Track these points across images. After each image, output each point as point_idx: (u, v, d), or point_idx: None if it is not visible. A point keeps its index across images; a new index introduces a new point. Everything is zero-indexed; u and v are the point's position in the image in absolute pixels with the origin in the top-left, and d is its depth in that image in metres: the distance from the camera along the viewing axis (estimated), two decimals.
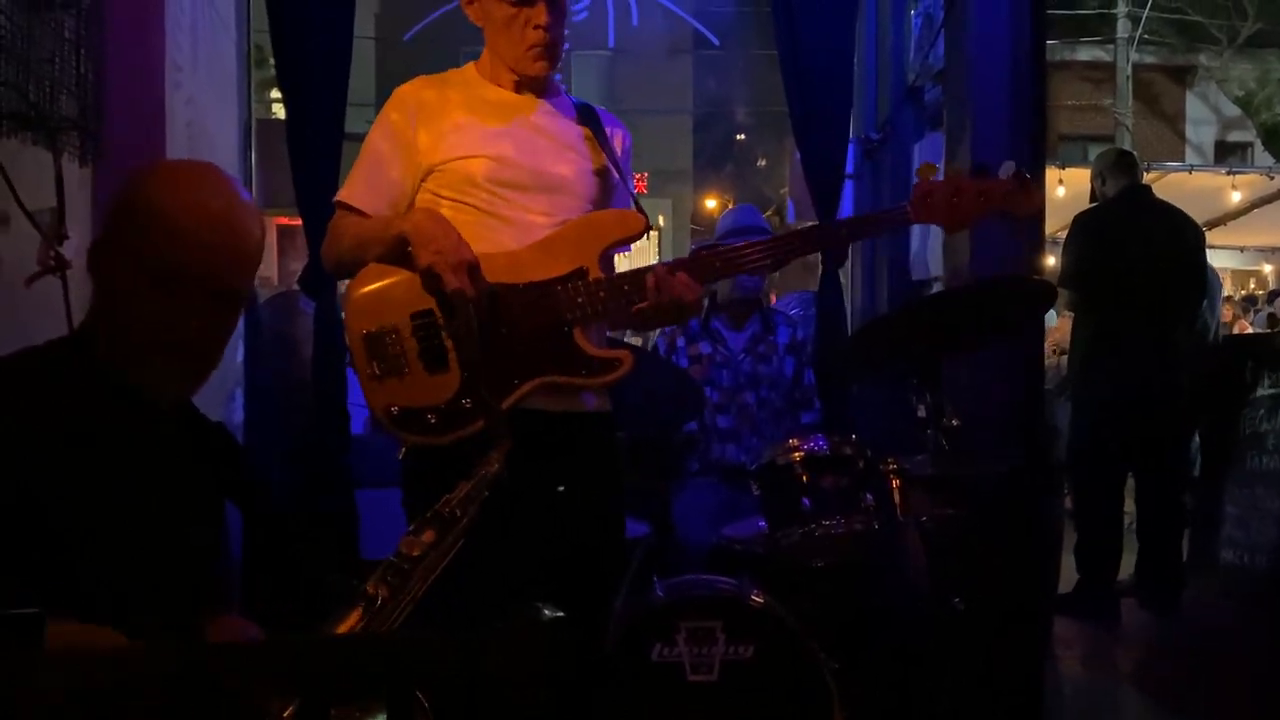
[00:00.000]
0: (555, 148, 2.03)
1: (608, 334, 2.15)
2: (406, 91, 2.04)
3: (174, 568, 1.36)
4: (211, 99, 3.34)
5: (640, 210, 2.06)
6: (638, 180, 17.77)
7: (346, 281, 2.03)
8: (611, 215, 2.04)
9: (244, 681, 0.85)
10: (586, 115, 2.11)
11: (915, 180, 2.11)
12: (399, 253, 1.90)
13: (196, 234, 1.36)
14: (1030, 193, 2.07)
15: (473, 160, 1.97)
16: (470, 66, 2.10)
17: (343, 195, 2.03)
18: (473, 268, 1.85)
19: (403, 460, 1.99)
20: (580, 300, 1.94)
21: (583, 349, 1.96)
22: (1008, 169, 2.08)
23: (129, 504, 1.33)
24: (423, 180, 2.00)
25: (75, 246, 2.10)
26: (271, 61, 3.42)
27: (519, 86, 2.06)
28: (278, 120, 3.65)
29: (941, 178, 2.09)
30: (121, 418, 1.36)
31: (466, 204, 1.97)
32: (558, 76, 2.15)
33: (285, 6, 3.28)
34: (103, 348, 1.38)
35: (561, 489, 1.99)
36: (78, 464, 1.30)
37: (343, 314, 1.99)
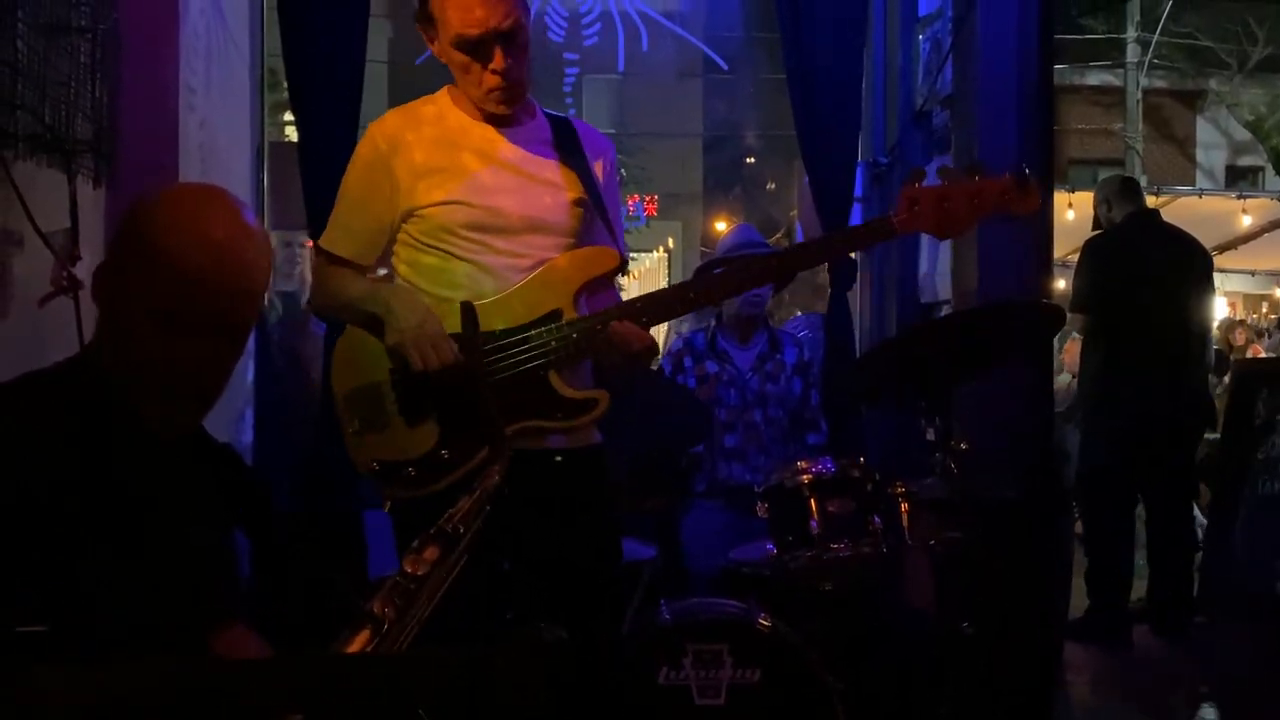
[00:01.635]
0: (531, 185, 2.01)
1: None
2: (379, 129, 2.03)
3: (178, 588, 1.36)
4: (224, 121, 3.37)
5: (615, 237, 2.04)
6: (648, 203, 17.77)
7: None
8: (583, 255, 2.01)
9: (250, 699, 0.85)
10: (564, 137, 2.07)
11: (901, 187, 2.04)
12: (372, 326, 1.94)
13: (197, 269, 1.32)
14: (1028, 190, 1.98)
15: (449, 207, 1.96)
16: (444, 93, 2.07)
17: (323, 242, 2.05)
18: (437, 341, 1.87)
19: (390, 514, 1.99)
20: (553, 344, 1.94)
21: (558, 392, 1.95)
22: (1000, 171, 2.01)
23: (132, 527, 1.33)
24: (402, 221, 2.00)
25: (88, 267, 2.12)
26: (284, 84, 3.45)
27: (491, 117, 2.02)
28: (290, 142, 3.68)
29: (931, 182, 2.01)
30: (126, 441, 1.36)
31: (444, 251, 1.98)
32: (533, 99, 2.11)
33: (299, 30, 3.31)
34: (105, 372, 1.37)
35: (548, 526, 1.97)
36: (81, 487, 1.29)
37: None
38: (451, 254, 1.97)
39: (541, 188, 2.02)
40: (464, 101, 2.03)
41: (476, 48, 1.93)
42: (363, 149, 2.04)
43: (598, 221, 2.05)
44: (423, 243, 1.99)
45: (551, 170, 2.03)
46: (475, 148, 2.01)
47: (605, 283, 2.06)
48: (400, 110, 2.07)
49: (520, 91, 2.00)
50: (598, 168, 2.08)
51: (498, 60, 1.93)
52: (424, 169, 1.98)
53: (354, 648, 1.22)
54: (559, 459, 2.00)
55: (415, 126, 2.02)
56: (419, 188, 1.97)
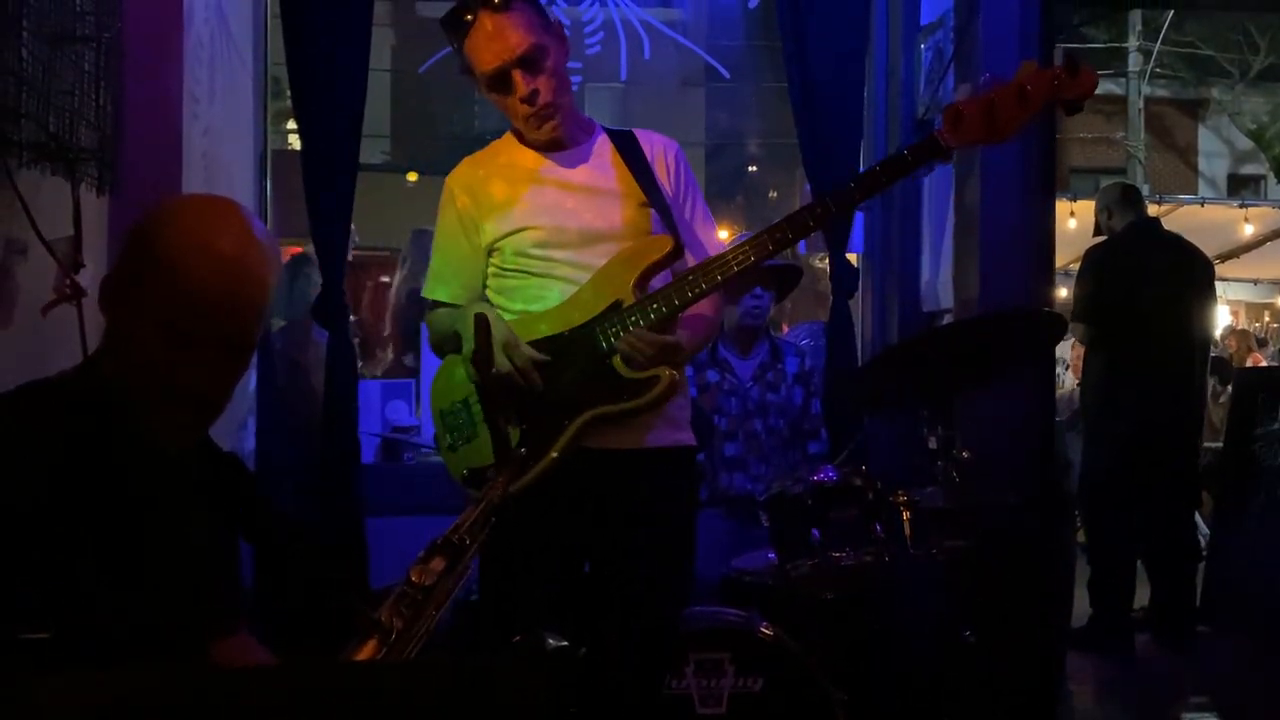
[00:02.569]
0: (592, 200, 2.10)
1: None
2: (454, 181, 2.17)
3: (180, 597, 1.36)
4: (228, 130, 3.38)
5: (674, 231, 2.07)
6: None
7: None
8: (639, 244, 2.08)
9: (252, 706, 0.85)
10: (622, 147, 2.15)
11: (945, 106, 2.01)
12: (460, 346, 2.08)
13: (205, 284, 1.31)
14: (1082, 73, 1.92)
15: (520, 234, 2.08)
16: (508, 134, 2.19)
17: (425, 293, 2.21)
18: (507, 345, 1.98)
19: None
20: (614, 330, 2.02)
21: (620, 375, 2.02)
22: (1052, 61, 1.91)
23: (134, 535, 1.33)
24: (488, 256, 2.13)
25: (91, 275, 2.13)
26: (288, 93, 3.46)
27: (548, 145, 2.12)
28: (293, 151, 3.69)
29: (973, 95, 1.99)
30: (128, 450, 1.35)
31: (521, 271, 2.10)
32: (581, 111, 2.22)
33: (302, 39, 3.32)
34: (108, 383, 1.36)
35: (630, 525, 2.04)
36: (82, 496, 1.29)
37: None
38: (528, 273, 2.09)
39: (601, 199, 2.10)
40: (523, 137, 2.15)
41: (497, 83, 2.05)
42: (446, 201, 2.18)
43: (667, 220, 2.11)
44: (504, 269, 2.12)
45: (611, 182, 2.12)
46: (534, 176, 2.12)
47: (666, 269, 2.10)
48: (470, 158, 2.21)
49: (552, 111, 2.07)
50: (660, 169, 2.16)
51: (520, 87, 2.03)
52: (496, 205, 2.11)
53: (362, 657, 1.22)
54: (643, 458, 2.06)
55: (482, 169, 2.16)
56: (490, 223, 2.10)
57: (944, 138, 1.99)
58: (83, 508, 1.29)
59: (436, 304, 2.18)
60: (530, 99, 2.03)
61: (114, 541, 1.30)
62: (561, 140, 2.12)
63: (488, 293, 2.16)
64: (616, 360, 2.02)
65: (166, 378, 1.33)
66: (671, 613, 2.13)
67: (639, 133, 2.19)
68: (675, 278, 2.06)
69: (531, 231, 2.07)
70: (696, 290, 2.00)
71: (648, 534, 2.04)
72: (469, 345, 1.97)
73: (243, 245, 1.35)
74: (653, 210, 2.10)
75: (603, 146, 2.16)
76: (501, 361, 1.96)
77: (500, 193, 2.11)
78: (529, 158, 2.13)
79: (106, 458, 1.33)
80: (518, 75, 2.02)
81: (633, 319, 2.01)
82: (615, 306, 2.03)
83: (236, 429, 3.39)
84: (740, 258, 2.01)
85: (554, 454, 1.99)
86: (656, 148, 2.18)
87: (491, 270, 2.14)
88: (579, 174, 2.12)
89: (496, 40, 2.00)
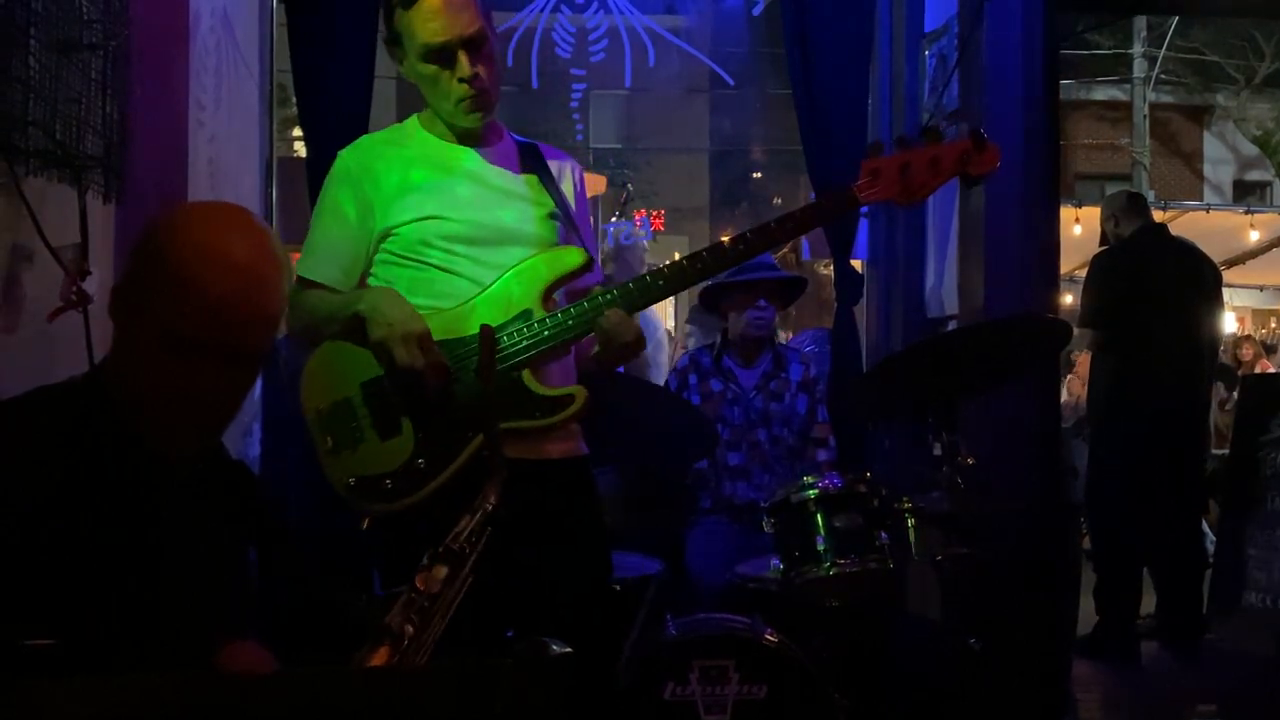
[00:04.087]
0: (502, 198, 2.05)
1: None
2: (349, 155, 2.06)
3: (186, 604, 1.36)
4: (233, 137, 3.39)
5: (582, 243, 2.06)
6: (655, 218, 17.86)
7: None
8: (550, 254, 2.03)
9: (259, 714, 0.85)
10: (530, 157, 2.11)
11: (863, 159, 2.06)
12: (355, 330, 1.94)
13: (217, 295, 1.29)
14: (986, 149, 2.02)
15: (426, 222, 1.99)
16: (413, 120, 2.11)
17: (300, 269, 2.05)
18: (422, 339, 1.88)
19: (366, 534, 2.00)
20: (523, 343, 1.95)
21: (534, 391, 1.96)
22: (961, 130, 2.04)
23: (139, 543, 1.33)
24: (379, 241, 2.02)
25: (97, 282, 2.13)
26: (293, 100, 3.48)
27: (462, 137, 2.07)
28: (298, 158, 3.70)
29: (889, 153, 2.04)
30: (134, 459, 1.35)
31: (421, 262, 2.00)
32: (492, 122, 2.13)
33: (307, 46, 3.34)
34: (116, 391, 1.35)
35: (536, 539, 1.95)
36: (88, 503, 1.29)
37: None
38: (429, 264, 2.00)
39: (515, 201, 2.06)
40: (435, 125, 2.08)
41: (441, 55, 1.97)
42: (334, 175, 2.06)
43: (572, 234, 2.09)
44: (400, 256, 2.01)
45: (520, 184, 2.08)
46: (449, 166, 2.04)
47: (574, 282, 2.07)
48: (369, 137, 2.12)
49: (489, 101, 2.02)
50: (565, 184, 2.13)
51: (464, 67, 1.97)
52: (400, 189, 2.01)
53: (375, 663, 1.22)
54: (544, 469, 1.99)
55: (386, 150, 2.06)
56: (394, 207, 2.00)
57: (859, 192, 2.04)
58: (90, 513, 1.29)
59: (309, 284, 2.03)
60: (473, 80, 1.97)
61: (121, 547, 1.31)
62: (479, 134, 2.07)
63: (371, 281, 2.05)
64: (527, 375, 1.96)
65: (175, 387, 1.31)
66: (598, 623, 2.03)
67: (543, 147, 2.16)
68: (578, 295, 2.02)
69: (442, 222, 1.98)
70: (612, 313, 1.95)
71: (554, 548, 1.98)
72: (384, 330, 1.87)
73: (256, 252, 1.34)
74: (558, 223, 2.06)
75: (511, 151, 2.11)
76: (412, 356, 1.85)
77: (408, 176, 2.01)
78: (443, 146, 2.06)
79: (114, 464, 1.33)
80: (464, 55, 1.96)
81: (545, 333, 1.95)
82: (523, 316, 1.96)
83: (242, 434, 3.40)
84: (664, 286, 2.00)
85: (454, 468, 1.90)
86: (564, 164, 2.15)
87: (382, 257, 2.02)
88: (494, 172, 2.06)
89: (448, 14, 1.94)
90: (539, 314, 1.97)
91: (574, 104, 8.23)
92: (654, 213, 17.16)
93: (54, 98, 2.03)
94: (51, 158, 2.03)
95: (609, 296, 1.98)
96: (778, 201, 19.84)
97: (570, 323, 1.97)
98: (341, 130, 3.33)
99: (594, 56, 5.06)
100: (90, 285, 2.10)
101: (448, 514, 1.42)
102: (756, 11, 4.84)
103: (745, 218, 19.82)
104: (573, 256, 2.02)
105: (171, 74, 2.72)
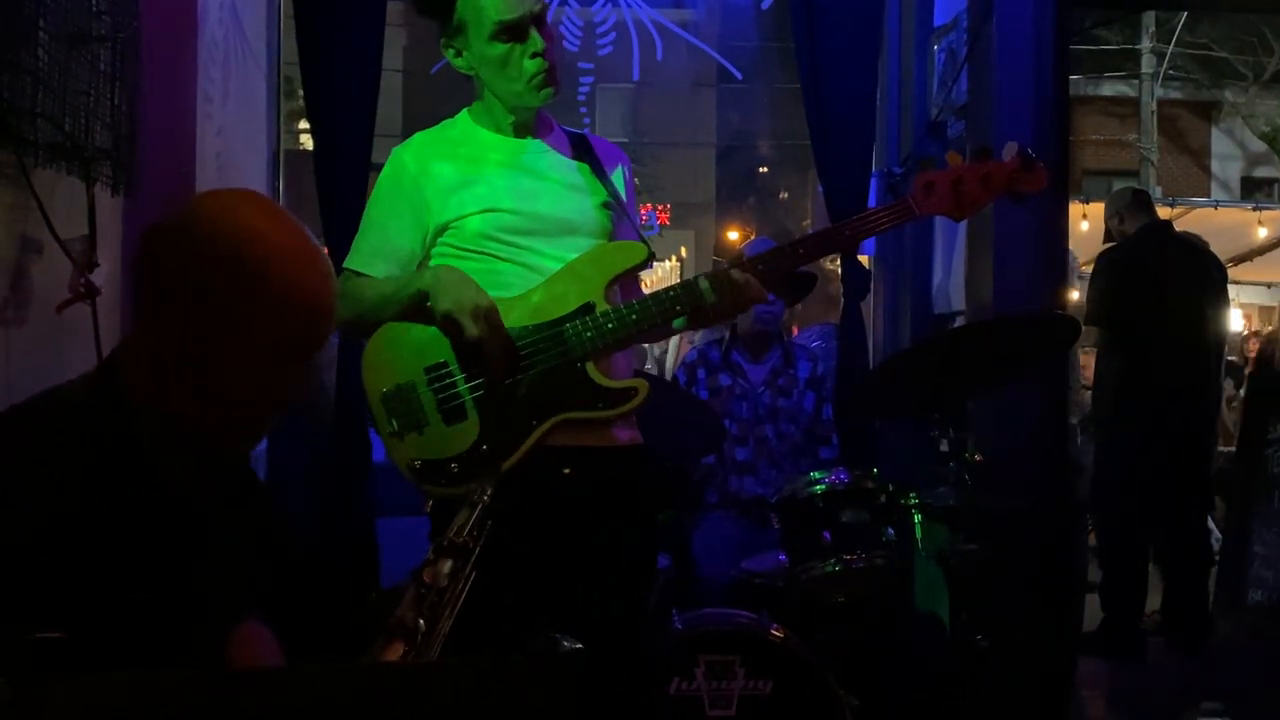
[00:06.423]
0: (558, 189, 2.05)
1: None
2: (405, 152, 2.07)
3: (194, 608, 1.36)
4: (241, 130, 3.39)
5: (642, 238, 2.08)
6: (660, 212, 17.79)
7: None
8: (613, 247, 2.05)
9: (269, 709, 0.85)
10: (583, 149, 2.12)
11: (917, 172, 2.11)
12: (417, 309, 1.94)
13: (311, 294, 1.27)
14: (1035, 170, 2.07)
15: (488, 215, 2.00)
16: (463, 114, 2.11)
17: (351, 264, 2.05)
18: (490, 314, 1.89)
19: (431, 513, 2.00)
20: (589, 335, 1.97)
21: (596, 382, 1.98)
22: (1010, 150, 2.08)
23: (149, 549, 1.32)
24: (436, 237, 2.03)
25: (106, 274, 2.13)
26: (300, 93, 3.47)
27: (517, 130, 2.07)
28: (305, 151, 3.70)
29: (943, 168, 2.09)
30: (145, 462, 1.33)
31: (482, 254, 2.00)
32: (549, 115, 2.15)
33: (315, 39, 3.33)
34: (139, 396, 1.31)
35: (590, 522, 1.98)
36: (98, 509, 1.28)
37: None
38: (496, 257, 2.00)
39: (572, 192, 2.06)
40: (487, 118, 2.08)
41: (515, 30, 1.97)
42: (389, 172, 2.07)
43: (625, 223, 2.10)
44: (464, 249, 2.01)
45: (575, 175, 2.09)
46: (505, 159, 2.05)
47: (633, 276, 2.09)
48: (422, 134, 2.11)
49: (558, 76, 2.03)
50: (616, 176, 2.13)
51: (537, 40, 1.98)
52: (457, 183, 2.02)
53: (389, 658, 1.22)
54: (614, 455, 2.02)
55: (441, 146, 2.07)
56: (452, 202, 2.01)
57: (916, 204, 2.08)
58: (99, 516, 1.28)
59: (358, 275, 2.04)
60: (546, 54, 1.98)
61: (129, 547, 1.30)
62: (533, 126, 2.08)
63: None
64: (591, 367, 1.97)
65: (274, 395, 1.29)
66: (633, 610, 2.06)
67: (593, 138, 2.17)
68: (646, 293, 2.05)
69: (504, 215, 1.99)
70: (674, 310, 1.99)
71: (613, 531, 2.00)
72: (452, 302, 1.87)
73: (313, 242, 1.31)
74: (612, 212, 2.07)
75: (563, 141, 2.12)
76: (480, 328, 1.86)
77: (465, 170, 2.02)
78: (498, 139, 2.07)
79: (131, 476, 1.32)
80: (537, 30, 1.97)
81: (609, 325, 1.97)
82: (587, 309, 1.97)
83: None
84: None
85: (520, 454, 1.93)
86: (614, 158, 2.16)
87: (441, 250, 2.02)
88: (549, 163, 2.07)
89: None
90: (602, 306, 1.99)
91: (581, 97, 8.22)
92: (660, 207, 17.16)
93: (63, 90, 2.03)
94: (60, 150, 2.03)
95: (672, 295, 2.00)
96: (784, 196, 19.83)
97: (634, 318, 1.98)
98: (348, 123, 3.34)
99: (601, 50, 5.05)
100: (98, 277, 2.10)
101: (508, 500, 1.42)
102: (765, 5, 4.83)
103: (752, 212, 19.81)
104: (637, 252, 2.04)
105: (180, 66, 2.72)
